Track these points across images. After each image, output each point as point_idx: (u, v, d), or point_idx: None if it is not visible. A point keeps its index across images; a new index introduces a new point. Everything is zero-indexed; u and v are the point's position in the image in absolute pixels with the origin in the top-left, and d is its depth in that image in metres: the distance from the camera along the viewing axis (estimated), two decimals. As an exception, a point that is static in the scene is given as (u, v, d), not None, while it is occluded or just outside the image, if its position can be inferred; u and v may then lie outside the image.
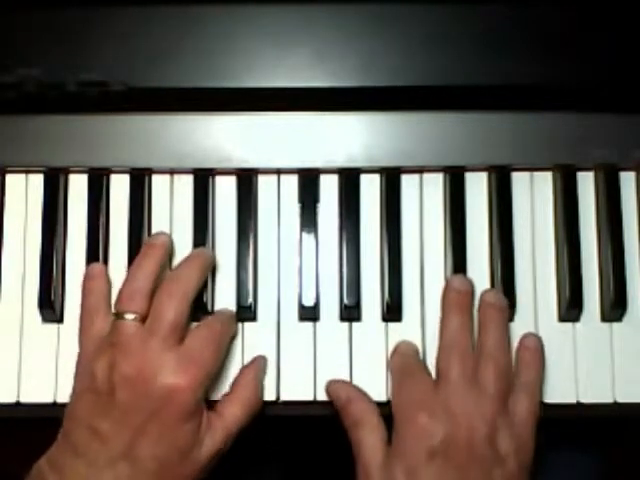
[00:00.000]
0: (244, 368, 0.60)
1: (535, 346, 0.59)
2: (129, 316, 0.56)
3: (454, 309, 0.59)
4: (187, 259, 0.60)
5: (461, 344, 0.57)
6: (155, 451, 0.54)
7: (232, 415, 0.57)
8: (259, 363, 0.60)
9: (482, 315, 0.59)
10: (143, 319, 0.56)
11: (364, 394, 0.59)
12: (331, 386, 0.59)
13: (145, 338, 0.55)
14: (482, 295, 0.60)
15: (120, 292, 0.57)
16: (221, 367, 0.59)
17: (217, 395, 0.59)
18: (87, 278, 0.60)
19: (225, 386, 0.59)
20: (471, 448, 0.54)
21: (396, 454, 0.55)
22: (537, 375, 0.58)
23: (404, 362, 0.59)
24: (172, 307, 0.55)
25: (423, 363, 0.60)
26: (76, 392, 0.57)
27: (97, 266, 0.61)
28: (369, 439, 0.56)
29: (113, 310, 0.58)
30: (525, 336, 0.60)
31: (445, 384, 0.56)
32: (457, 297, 0.59)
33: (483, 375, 0.56)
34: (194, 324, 0.59)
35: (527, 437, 0.56)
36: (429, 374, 0.58)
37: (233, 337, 0.60)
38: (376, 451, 0.56)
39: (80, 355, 0.58)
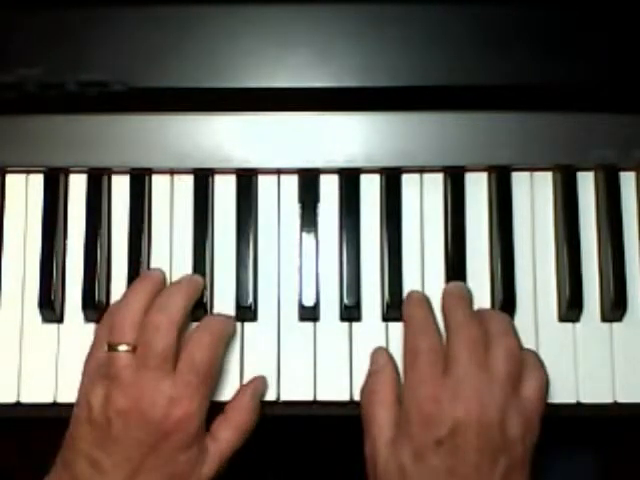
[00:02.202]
0: (242, 388, 0.59)
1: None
2: (122, 347, 0.55)
3: (456, 303, 0.59)
4: (174, 285, 0.59)
5: (469, 330, 0.56)
6: None
7: (226, 440, 0.57)
8: (257, 384, 0.59)
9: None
10: (136, 349, 0.55)
11: (393, 368, 0.59)
12: (376, 350, 0.60)
13: (138, 369, 0.55)
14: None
15: (113, 322, 0.57)
16: (220, 368, 0.59)
17: (216, 395, 0.59)
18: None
19: (222, 387, 0.60)
20: (480, 435, 0.53)
21: (404, 434, 0.54)
22: (538, 358, 0.58)
23: (418, 321, 0.58)
24: (159, 338, 0.55)
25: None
26: (75, 419, 0.56)
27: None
28: (381, 415, 0.56)
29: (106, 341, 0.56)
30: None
31: (455, 369, 0.55)
32: (456, 295, 0.59)
33: (493, 359, 0.55)
34: (194, 324, 0.59)
35: (535, 421, 0.55)
36: (440, 335, 0.57)
37: (231, 338, 0.60)
38: (386, 428, 0.56)
39: (82, 378, 0.58)
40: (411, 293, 0.61)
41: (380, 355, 0.60)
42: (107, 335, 0.57)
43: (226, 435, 0.57)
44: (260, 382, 0.60)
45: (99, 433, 0.54)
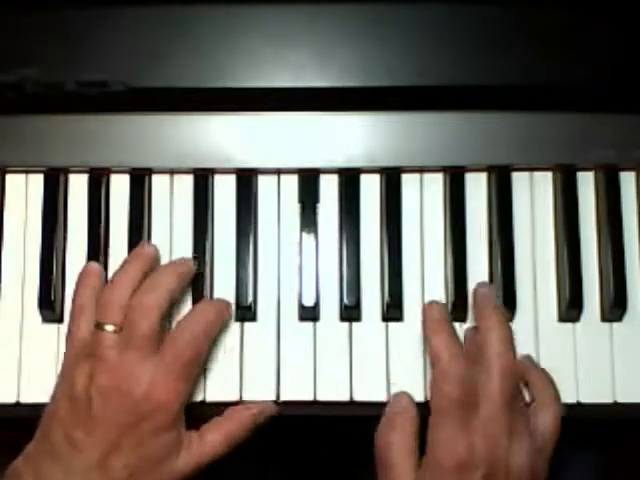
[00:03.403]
0: (250, 404, 0.59)
1: (531, 364, 0.59)
2: (109, 327, 0.55)
3: (496, 325, 0.58)
4: (164, 267, 0.59)
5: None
6: (128, 461, 0.54)
7: (212, 443, 0.57)
8: (266, 408, 0.59)
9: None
10: (122, 329, 0.56)
11: (415, 414, 0.57)
12: (399, 394, 0.59)
13: (123, 349, 0.55)
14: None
15: (101, 302, 0.57)
16: (219, 367, 0.59)
17: (212, 395, 0.59)
18: (83, 274, 0.60)
19: (222, 387, 0.60)
20: (509, 474, 0.54)
21: (432, 477, 0.54)
22: (553, 392, 0.58)
23: (447, 362, 0.56)
24: (144, 319, 0.55)
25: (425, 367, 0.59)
26: (56, 395, 0.57)
27: (94, 264, 0.61)
28: (402, 464, 0.55)
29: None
30: (521, 357, 0.59)
31: (488, 408, 0.55)
32: (494, 313, 0.58)
33: (488, 390, 0.55)
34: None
35: (550, 449, 0.57)
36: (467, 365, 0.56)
37: (225, 325, 0.60)
38: (407, 475, 0.55)
39: (65, 357, 0.58)
40: (429, 311, 0.59)
41: (403, 398, 0.58)
42: (87, 311, 0.57)
43: (213, 438, 0.57)
44: (270, 407, 0.59)
45: (79, 410, 0.54)
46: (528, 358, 0.60)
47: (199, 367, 0.58)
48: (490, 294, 0.60)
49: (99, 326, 0.56)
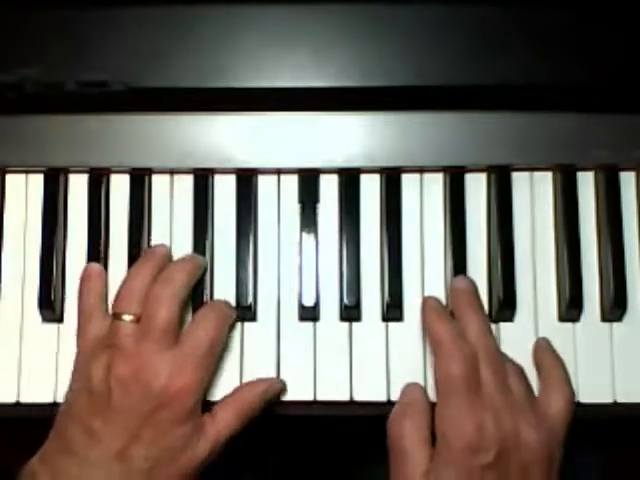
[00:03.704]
0: (258, 380, 0.59)
1: (547, 346, 0.60)
2: (126, 317, 0.56)
3: (472, 312, 0.58)
4: (178, 261, 0.60)
5: (489, 348, 0.57)
6: (148, 452, 0.54)
7: (225, 421, 0.57)
8: (275, 384, 0.59)
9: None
10: (140, 320, 0.56)
11: (427, 404, 0.58)
12: (411, 384, 0.59)
13: (140, 340, 0.55)
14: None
15: (118, 293, 0.58)
16: (219, 366, 0.59)
17: (212, 395, 0.59)
18: (84, 278, 0.61)
19: (222, 386, 0.59)
20: (522, 454, 0.54)
21: (446, 462, 0.54)
22: (562, 373, 0.59)
23: (447, 343, 0.56)
24: (162, 309, 0.55)
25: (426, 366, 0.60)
26: (72, 391, 0.57)
27: (95, 266, 0.61)
28: (416, 454, 0.55)
29: (110, 311, 0.58)
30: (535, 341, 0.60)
31: (488, 390, 0.55)
32: (469, 301, 0.59)
33: (510, 377, 0.57)
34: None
35: (562, 433, 0.57)
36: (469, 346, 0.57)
37: (232, 325, 0.60)
38: (421, 466, 0.55)
39: (77, 354, 0.58)
40: (428, 302, 0.60)
41: (415, 389, 0.59)
42: (96, 308, 0.58)
43: (226, 416, 0.57)
44: (278, 383, 0.59)
45: (98, 402, 0.54)
46: (544, 340, 0.60)
47: (216, 357, 0.58)
48: (465, 289, 0.60)
49: (117, 316, 0.56)
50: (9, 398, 0.60)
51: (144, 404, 0.54)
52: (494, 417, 0.54)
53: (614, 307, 0.60)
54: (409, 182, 0.63)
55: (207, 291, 0.61)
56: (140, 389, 0.54)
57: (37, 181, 0.63)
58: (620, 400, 0.60)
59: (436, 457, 0.55)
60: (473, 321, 0.58)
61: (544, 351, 0.60)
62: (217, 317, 0.58)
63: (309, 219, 0.62)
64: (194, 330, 0.57)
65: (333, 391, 0.60)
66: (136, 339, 0.55)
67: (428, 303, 0.59)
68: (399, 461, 0.56)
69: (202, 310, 0.58)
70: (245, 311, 0.61)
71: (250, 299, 0.61)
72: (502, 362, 0.57)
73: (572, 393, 0.58)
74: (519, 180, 0.63)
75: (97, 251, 0.62)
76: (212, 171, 0.62)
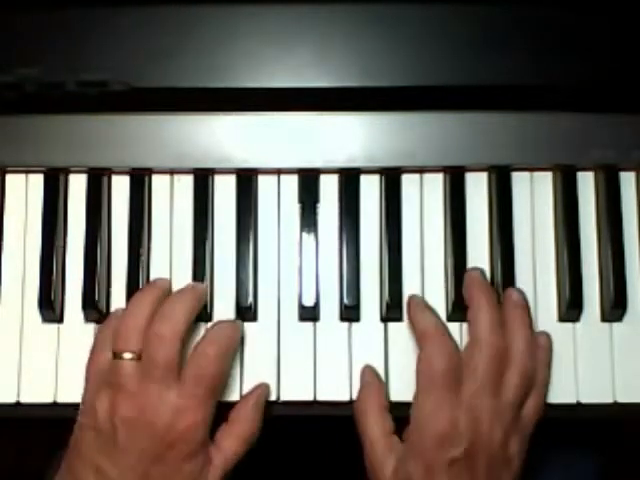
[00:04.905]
0: (245, 397, 0.59)
1: (548, 346, 0.60)
2: (127, 355, 0.55)
3: (484, 303, 0.58)
4: (178, 294, 0.59)
5: (492, 348, 0.57)
6: None
7: (230, 450, 0.57)
8: (260, 392, 0.59)
9: (508, 315, 0.58)
10: (141, 357, 0.55)
11: (379, 382, 0.59)
12: (363, 368, 0.60)
13: (143, 379, 0.54)
14: (506, 294, 0.60)
15: (117, 330, 0.56)
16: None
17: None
18: (110, 316, 0.60)
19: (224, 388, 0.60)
20: (490, 455, 0.55)
21: (415, 450, 0.55)
22: (547, 374, 0.59)
23: (431, 336, 0.57)
24: (163, 348, 0.54)
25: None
26: (80, 426, 0.56)
27: (119, 309, 0.60)
28: (371, 424, 0.57)
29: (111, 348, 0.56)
30: (539, 334, 0.60)
31: (472, 385, 0.55)
32: (483, 290, 0.59)
33: (508, 383, 0.56)
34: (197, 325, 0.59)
35: (529, 435, 0.57)
36: (453, 341, 0.57)
37: (239, 343, 0.60)
38: (377, 437, 0.56)
39: (85, 384, 0.57)
40: (412, 298, 0.60)
41: (366, 371, 0.60)
42: (109, 339, 0.57)
43: (230, 444, 0.57)
44: (262, 390, 0.59)
45: (104, 440, 0.54)
46: (544, 334, 0.60)
47: (221, 386, 0.57)
48: (481, 276, 0.60)
49: (117, 355, 0.55)
50: (9, 398, 0.60)
51: (151, 444, 0.54)
52: (469, 413, 0.54)
53: (614, 307, 0.60)
54: (409, 182, 0.63)
55: (207, 291, 0.61)
56: (146, 430, 0.54)
57: (37, 181, 0.63)
58: (620, 400, 0.60)
59: (407, 443, 0.55)
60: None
61: (542, 349, 0.59)
62: (219, 347, 0.56)
63: (309, 219, 0.62)
64: (196, 365, 0.56)
65: (333, 391, 0.60)
66: (138, 378, 0.54)
67: (412, 299, 0.60)
68: (362, 439, 0.57)
69: (203, 342, 0.57)
70: (245, 311, 0.61)
71: (250, 299, 0.61)
72: (499, 360, 0.57)
73: (545, 394, 0.58)
74: (519, 180, 0.63)
75: (97, 251, 0.61)
76: (212, 171, 0.62)
